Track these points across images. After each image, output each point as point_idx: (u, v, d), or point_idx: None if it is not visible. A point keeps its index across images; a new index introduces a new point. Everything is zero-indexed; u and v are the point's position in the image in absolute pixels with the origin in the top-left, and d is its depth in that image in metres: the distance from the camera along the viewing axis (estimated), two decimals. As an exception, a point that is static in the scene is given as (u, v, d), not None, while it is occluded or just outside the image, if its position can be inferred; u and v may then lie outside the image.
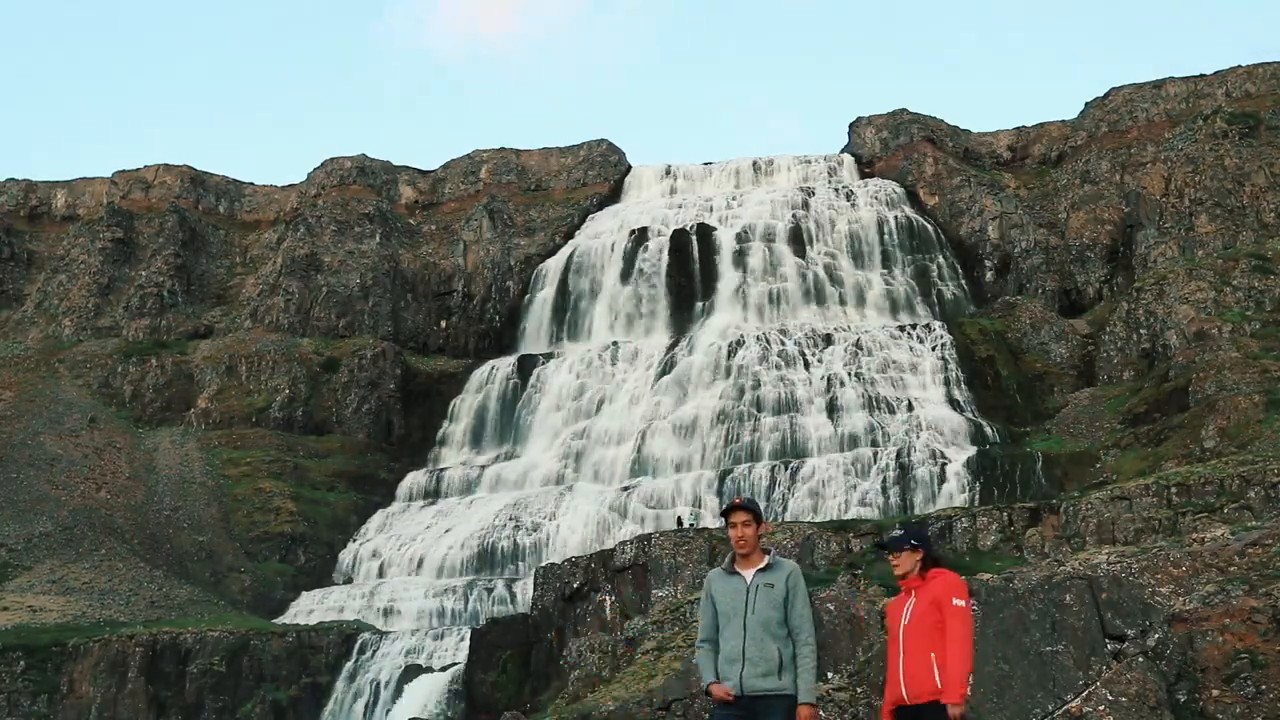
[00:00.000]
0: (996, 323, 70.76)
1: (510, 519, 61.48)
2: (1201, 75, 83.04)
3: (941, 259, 77.60)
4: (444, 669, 45.92)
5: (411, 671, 46.76)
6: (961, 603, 7.83)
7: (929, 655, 7.79)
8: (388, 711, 45.44)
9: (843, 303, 74.28)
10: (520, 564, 58.91)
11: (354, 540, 65.66)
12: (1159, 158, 76.23)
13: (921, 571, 7.99)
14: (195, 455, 70.17)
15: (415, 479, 69.94)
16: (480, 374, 75.07)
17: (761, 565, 7.87)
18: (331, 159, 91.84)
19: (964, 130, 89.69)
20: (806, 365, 67.00)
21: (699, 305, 75.14)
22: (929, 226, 79.27)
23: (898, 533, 8.14)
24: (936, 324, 70.12)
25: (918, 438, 60.49)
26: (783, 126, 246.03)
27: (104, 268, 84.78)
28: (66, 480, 65.23)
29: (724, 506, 8.18)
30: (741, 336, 69.54)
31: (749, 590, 7.81)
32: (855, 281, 75.51)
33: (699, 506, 57.56)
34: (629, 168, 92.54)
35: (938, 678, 7.74)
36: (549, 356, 74.53)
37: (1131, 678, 11.24)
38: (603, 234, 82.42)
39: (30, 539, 59.57)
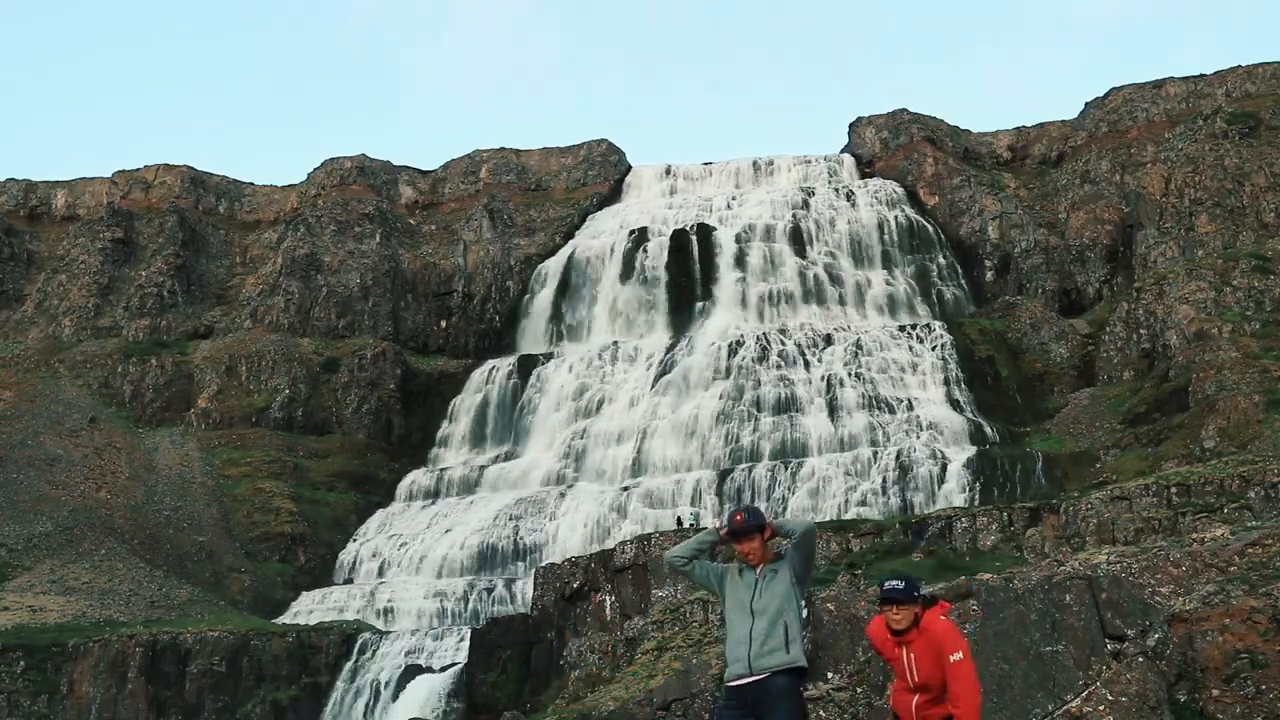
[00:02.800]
0: (996, 323, 70.76)
1: (510, 519, 61.48)
2: (1201, 75, 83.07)
3: (941, 259, 77.61)
4: (444, 669, 45.90)
5: (411, 671, 46.74)
6: (959, 656, 7.75)
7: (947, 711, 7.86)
8: (388, 711, 45.43)
9: (843, 303, 74.28)
10: (520, 564, 58.91)
11: (354, 540, 65.65)
12: (1159, 158, 76.23)
13: (916, 623, 7.89)
14: (195, 455, 70.16)
15: (415, 479, 69.94)
16: (480, 374, 75.06)
17: (771, 559, 8.12)
18: (331, 159, 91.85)
19: (964, 130, 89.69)
20: (806, 365, 66.99)
21: (699, 305, 75.14)
22: (929, 226, 79.27)
23: (899, 584, 7.93)
24: (936, 324, 70.11)
25: (918, 438, 60.49)
26: (783, 126, 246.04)
27: (104, 268, 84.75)
28: (66, 480, 65.22)
29: (730, 526, 8.24)
30: (741, 336, 69.52)
31: (758, 580, 8.02)
32: (855, 281, 75.51)
33: (699, 506, 57.54)
34: (629, 168, 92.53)
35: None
36: (549, 356, 74.52)
37: (1131, 678, 11.25)
38: (603, 234, 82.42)
39: (30, 539, 59.55)
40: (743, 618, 7.98)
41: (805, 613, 8.20)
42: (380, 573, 62.03)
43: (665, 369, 69.44)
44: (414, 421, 75.22)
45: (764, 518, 8.10)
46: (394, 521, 66.44)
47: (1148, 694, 11.28)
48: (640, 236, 79.41)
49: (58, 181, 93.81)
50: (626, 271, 77.96)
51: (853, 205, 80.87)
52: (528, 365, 73.75)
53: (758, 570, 8.04)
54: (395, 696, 45.73)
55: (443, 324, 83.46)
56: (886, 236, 78.10)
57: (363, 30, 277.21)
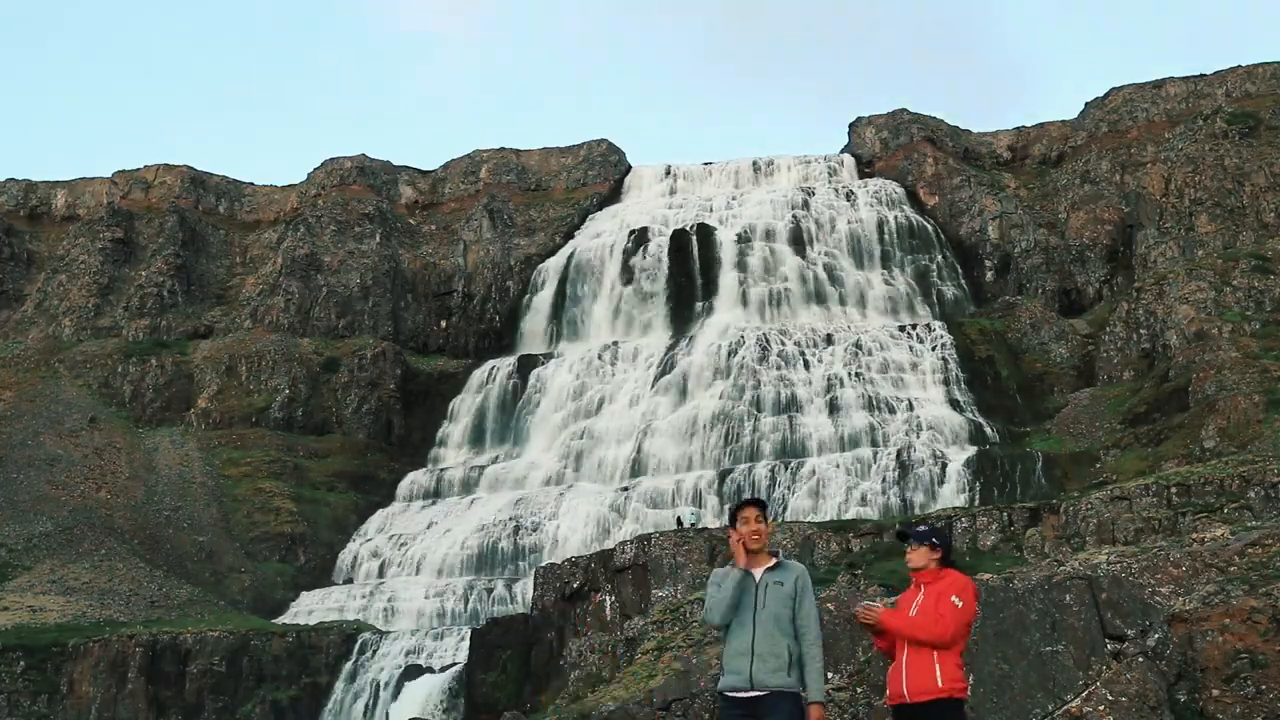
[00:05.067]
0: (996, 323, 70.76)
1: (510, 519, 61.48)
2: (1201, 75, 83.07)
3: (941, 259, 77.61)
4: (444, 669, 45.93)
5: (411, 671, 46.77)
6: (960, 602, 7.83)
7: (931, 653, 7.77)
8: (388, 711, 45.45)
9: (843, 303, 74.27)
10: (520, 564, 58.91)
11: (354, 540, 65.65)
12: (1159, 158, 76.21)
13: (937, 569, 8.03)
14: (195, 455, 70.15)
15: (415, 479, 69.93)
16: (480, 374, 75.06)
17: (770, 564, 7.91)
18: (331, 159, 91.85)
19: (964, 130, 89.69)
20: (806, 365, 66.98)
21: (699, 305, 75.12)
22: (929, 226, 79.27)
23: (922, 528, 8.20)
24: (936, 324, 70.11)
25: (918, 438, 60.49)
26: (783, 126, 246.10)
27: (104, 268, 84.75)
28: (66, 480, 65.21)
29: (733, 503, 8.14)
30: (741, 336, 69.49)
31: (759, 587, 7.83)
32: (855, 281, 75.50)
33: (699, 506, 57.55)
34: (629, 168, 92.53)
35: (939, 677, 7.73)
36: (549, 356, 74.53)
37: (1131, 678, 11.25)
38: (603, 234, 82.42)
39: (30, 539, 59.56)
40: (744, 627, 7.85)
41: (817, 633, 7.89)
42: (380, 573, 62.04)
43: (665, 369, 69.44)
44: (414, 421, 75.21)
45: (765, 503, 8.13)
46: (394, 521, 66.44)
47: (1148, 694, 11.29)
48: (640, 237, 79.41)
49: (58, 181, 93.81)
50: (626, 271, 77.96)
51: (853, 205, 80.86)
52: (528, 365, 73.75)
53: (758, 575, 7.89)
54: (395, 696, 45.75)
55: (443, 324, 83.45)
56: (886, 236, 78.09)
57: (363, 30, 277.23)
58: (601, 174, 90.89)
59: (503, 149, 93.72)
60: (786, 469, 59.56)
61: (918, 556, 8.05)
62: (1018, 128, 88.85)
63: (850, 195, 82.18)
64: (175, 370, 76.62)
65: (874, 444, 60.54)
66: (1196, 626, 12.74)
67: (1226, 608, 13.03)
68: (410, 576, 60.40)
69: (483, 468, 68.60)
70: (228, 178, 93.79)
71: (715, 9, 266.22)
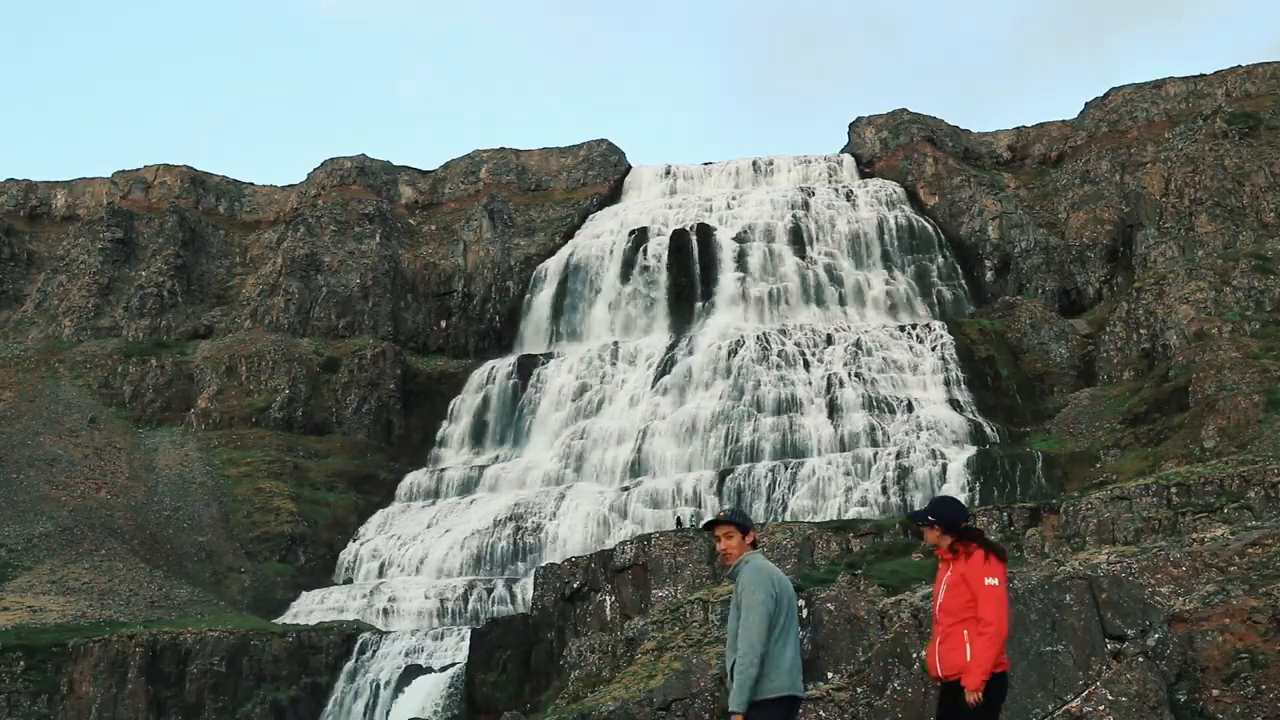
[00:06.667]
0: (996, 323, 70.75)
1: (510, 519, 61.49)
2: (1201, 75, 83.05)
3: (941, 259, 77.59)
4: (444, 669, 45.94)
5: (411, 671, 46.77)
6: (994, 581, 7.89)
7: (962, 632, 7.86)
8: (388, 711, 45.46)
9: (843, 303, 74.27)
10: (520, 564, 58.92)
11: (354, 540, 65.66)
12: (1159, 158, 76.21)
13: (952, 546, 8.05)
14: (195, 455, 70.13)
15: (415, 479, 69.92)
16: (480, 374, 75.06)
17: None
18: (331, 159, 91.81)
19: (964, 130, 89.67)
20: (806, 365, 66.97)
21: (699, 305, 75.11)
22: (929, 226, 79.26)
23: (919, 509, 8.31)
24: (936, 324, 70.10)
25: (918, 438, 60.48)
26: (783, 126, 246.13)
27: (104, 268, 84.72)
28: (66, 480, 65.21)
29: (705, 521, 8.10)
30: (741, 336, 69.49)
31: (734, 599, 7.87)
32: (855, 281, 75.50)
33: (699, 506, 57.55)
34: (629, 168, 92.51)
35: (969, 653, 7.80)
36: (549, 356, 74.52)
37: (1131, 678, 11.25)
38: (602, 234, 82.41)
39: (30, 539, 59.55)
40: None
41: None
42: (380, 573, 62.05)
43: (665, 369, 69.43)
44: (414, 421, 75.19)
45: (743, 517, 7.92)
46: (394, 521, 66.44)
47: (1148, 694, 11.28)
48: (640, 236, 79.40)
49: (58, 181, 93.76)
50: (626, 271, 77.95)
51: (853, 205, 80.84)
52: (528, 365, 73.74)
53: (737, 584, 7.83)
54: (395, 696, 45.76)
55: (443, 324, 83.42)
56: (886, 236, 78.08)
57: (364, 29, 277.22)
58: (601, 174, 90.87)
59: (503, 149, 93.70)
60: (786, 469, 59.55)
61: (931, 536, 8.16)
62: (1018, 128, 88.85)
63: (850, 195, 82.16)
64: (175, 370, 76.62)
65: (874, 444, 60.52)
66: (1196, 626, 12.74)
67: (1226, 608, 13.03)
68: (410, 576, 60.40)
69: (483, 468, 68.60)
70: (228, 178, 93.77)
71: (715, 9, 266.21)
